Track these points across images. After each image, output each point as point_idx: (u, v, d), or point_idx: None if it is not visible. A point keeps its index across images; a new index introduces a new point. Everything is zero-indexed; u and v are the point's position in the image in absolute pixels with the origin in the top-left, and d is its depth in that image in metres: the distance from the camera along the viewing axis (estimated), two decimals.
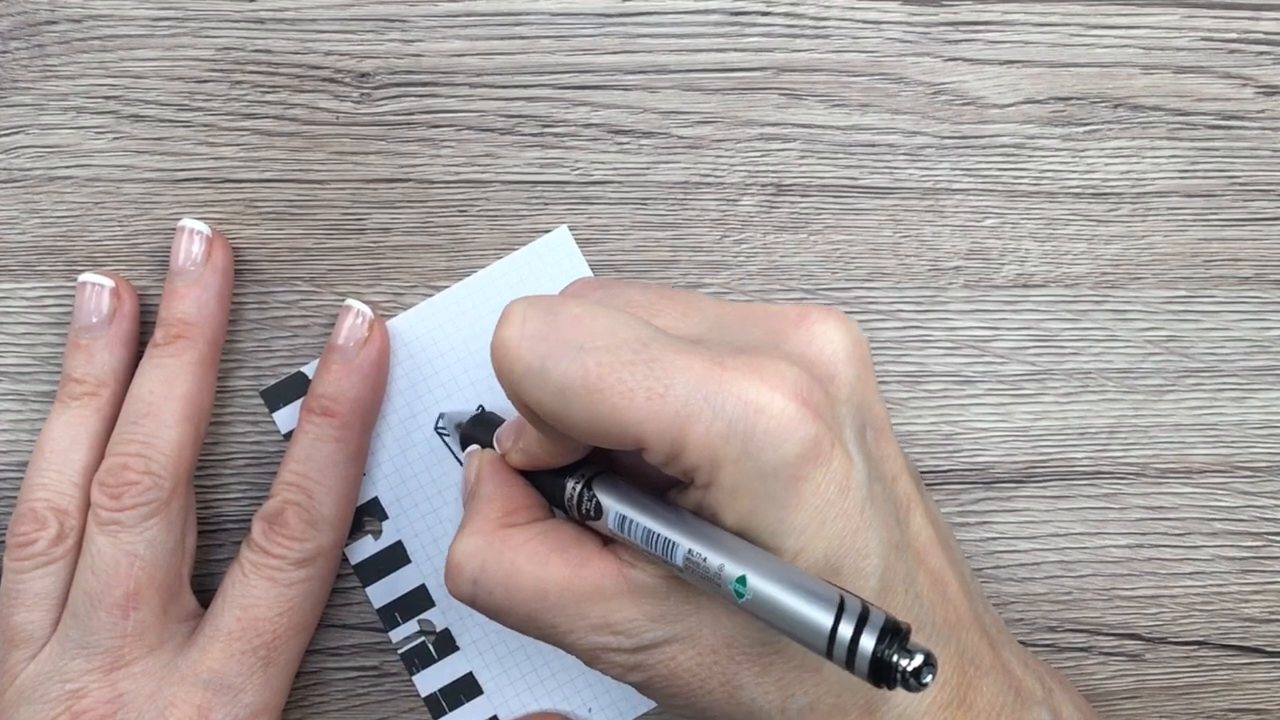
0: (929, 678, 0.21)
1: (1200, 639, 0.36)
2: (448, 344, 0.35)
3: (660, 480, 0.27)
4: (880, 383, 0.35)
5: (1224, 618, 0.36)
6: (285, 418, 0.34)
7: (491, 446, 0.31)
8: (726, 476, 0.24)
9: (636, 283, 0.31)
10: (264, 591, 0.31)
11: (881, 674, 0.21)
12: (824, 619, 0.22)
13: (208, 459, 0.34)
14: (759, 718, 0.26)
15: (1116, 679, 0.36)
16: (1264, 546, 0.36)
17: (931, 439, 0.36)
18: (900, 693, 0.26)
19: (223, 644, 0.31)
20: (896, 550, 0.26)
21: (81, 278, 0.33)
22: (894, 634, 0.21)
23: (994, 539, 0.36)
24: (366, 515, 0.35)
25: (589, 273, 0.35)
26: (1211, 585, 0.36)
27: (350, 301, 0.33)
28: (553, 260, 0.35)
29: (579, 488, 0.28)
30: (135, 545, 0.31)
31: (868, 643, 0.21)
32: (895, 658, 0.21)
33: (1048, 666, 0.31)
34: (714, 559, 0.24)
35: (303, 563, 0.32)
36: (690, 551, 0.24)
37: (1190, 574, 0.36)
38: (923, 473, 0.36)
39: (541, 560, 0.27)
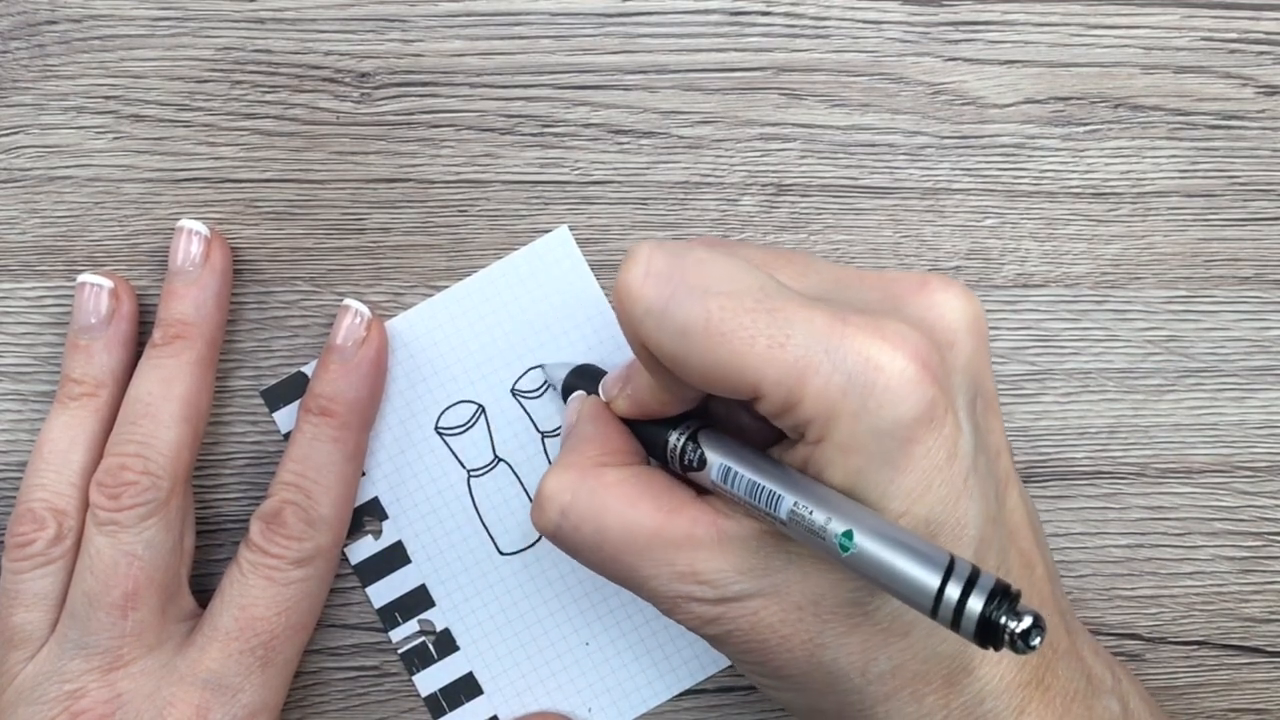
0: (1037, 640, 0.21)
1: (1200, 639, 0.36)
2: (447, 344, 0.35)
3: (761, 438, 0.27)
4: None
5: (1224, 618, 0.36)
6: (285, 418, 0.34)
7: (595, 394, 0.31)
8: (840, 432, 0.24)
9: (753, 242, 0.31)
10: (262, 591, 0.31)
11: (989, 635, 0.21)
12: (931, 578, 0.22)
13: (208, 459, 0.34)
14: (838, 679, 0.26)
15: None
16: (1264, 546, 0.36)
17: None
18: (983, 667, 0.26)
19: (221, 644, 0.31)
20: (993, 524, 0.26)
21: (80, 278, 0.33)
22: (1004, 596, 0.22)
23: None
24: (366, 515, 0.35)
25: (589, 273, 0.35)
26: (1211, 585, 0.36)
27: (348, 301, 0.33)
28: (553, 260, 0.35)
29: (683, 439, 0.28)
30: (134, 545, 0.31)
31: (976, 603, 0.21)
32: (1004, 619, 0.21)
33: (1114, 657, 0.31)
34: (820, 513, 0.24)
35: (301, 562, 0.32)
36: (796, 504, 0.24)
37: (1190, 574, 0.36)
38: None
39: (632, 502, 0.27)
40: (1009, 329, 0.36)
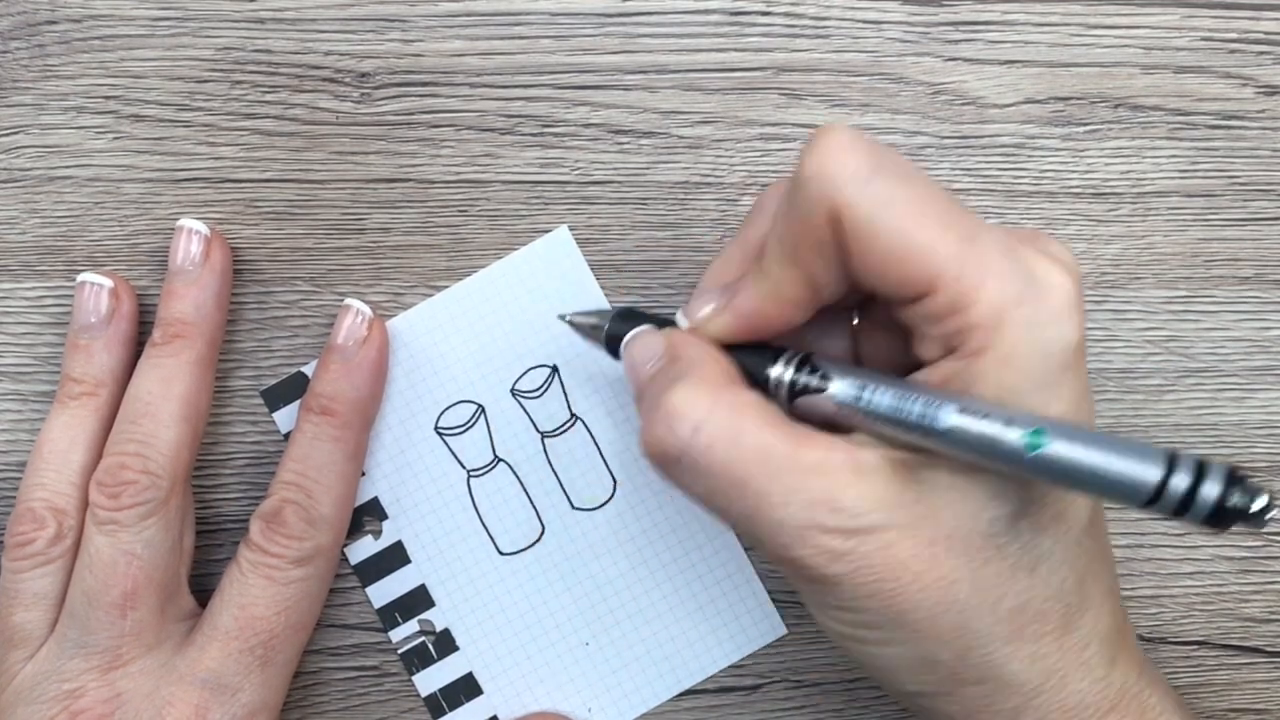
0: (1276, 511, 0.22)
1: (1200, 639, 0.36)
2: (447, 344, 0.35)
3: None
4: None
5: (1224, 618, 0.36)
6: (285, 417, 0.34)
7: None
8: (1005, 343, 0.24)
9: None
10: (262, 590, 0.31)
11: (1221, 517, 0.22)
12: (1152, 472, 0.22)
13: (208, 459, 0.34)
14: (968, 618, 0.25)
15: None
16: (1264, 547, 0.36)
17: None
18: (1089, 612, 0.26)
19: (221, 643, 0.31)
20: None
21: (80, 277, 0.33)
22: (1234, 480, 0.22)
23: None
24: (366, 515, 0.35)
25: (588, 273, 0.35)
26: (1211, 585, 0.36)
27: (350, 301, 0.33)
28: (552, 260, 0.35)
29: (796, 359, 0.26)
30: (133, 545, 0.31)
31: (1211, 489, 0.22)
32: (1238, 500, 0.22)
33: None
34: (998, 413, 0.23)
35: (301, 561, 0.32)
36: (964, 409, 0.23)
37: (1190, 574, 0.36)
38: None
39: (770, 423, 0.25)
40: None
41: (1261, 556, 0.36)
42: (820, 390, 0.25)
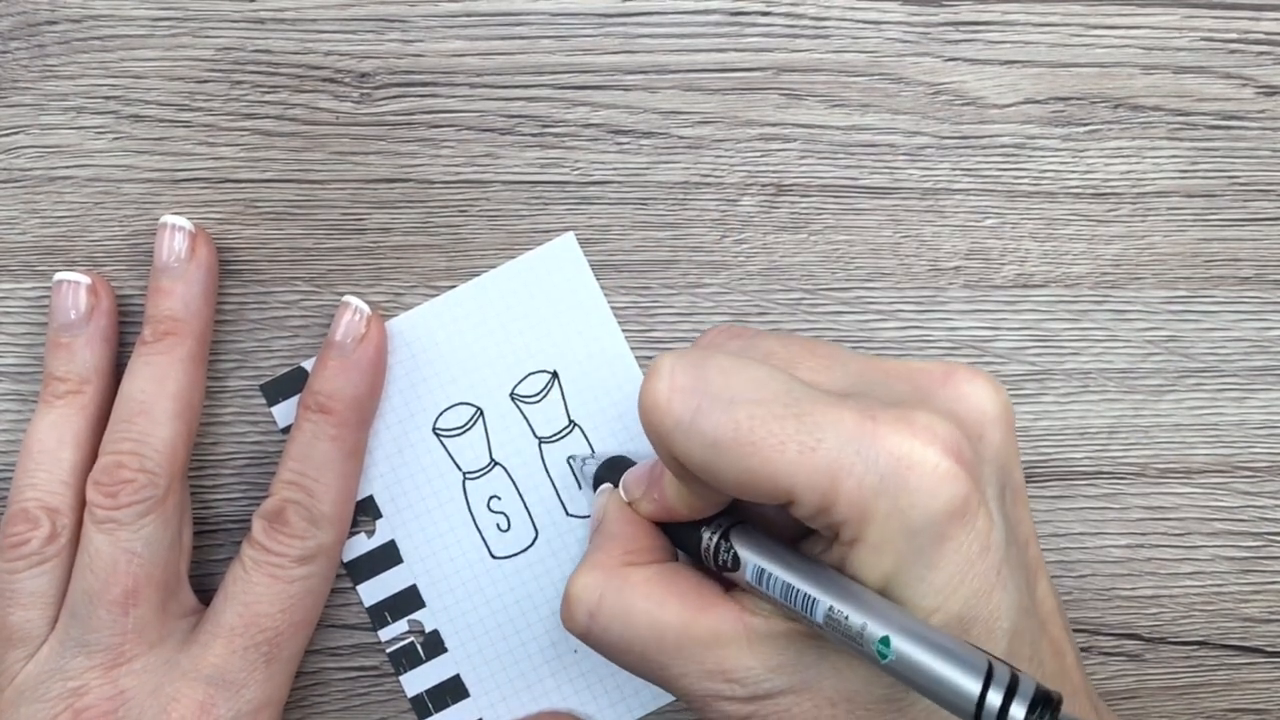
0: None
1: (1200, 639, 0.36)
2: (449, 345, 0.35)
3: (792, 532, 0.27)
4: None
5: (1224, 618, 0.36)
6: (283, 412, 0.34)
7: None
8: (874, 533, 0.24)
9: (774, 333, 0.31)
10: (266, 588, 0.31)
11: None
12: (972, 684, 0.22)
13: (208, 458, 0.34)
14: None
15: (1116, 679, 0.36)
16: (1264, 547, 0.36)
17: None
18: None
19: (225, 640, 0.31)
20: (1025, 614, 0.26)
21: (57, 276, 0.33)
22: (1045, 703, 0.21)
23: None
24: (360, 514, 0.35)
25: (593, 280, 0.35)
26: (1211, 585, 0.36)
27: (348, 298, 0.33)
28: (557, 266, 0.35)
29: (715, 538, 0.28)
30: (132, 543, 0.31)
31: (1018, 712, 0.21)
32: None
33: None
34: (856, 617, 0.24)
35: (304, 560, 0.32)
36: (832, 609, 0.24)
37: (1190, 574, 0.36)
38: None
39: (659, 601, 0.27)
40: (1009, 329, 0.36)
41: (1262, 557, 0.36)
42: (734, 569, 0.27)
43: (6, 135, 0.34)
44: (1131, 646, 0.36)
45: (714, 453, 0.24)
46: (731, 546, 0.27)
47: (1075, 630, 0.36)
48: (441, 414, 0.35)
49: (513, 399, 0.35)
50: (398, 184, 0.34)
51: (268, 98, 0.34)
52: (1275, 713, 0.37)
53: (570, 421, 0.35)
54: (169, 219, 0.33)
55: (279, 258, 0.34)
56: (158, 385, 0.32)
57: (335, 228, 0.34)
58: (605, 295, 0.35)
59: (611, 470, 0.32)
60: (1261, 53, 0.35)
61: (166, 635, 0.32)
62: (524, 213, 0.35)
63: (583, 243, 0.35)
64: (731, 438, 0.24)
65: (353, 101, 0.34)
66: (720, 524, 0.28)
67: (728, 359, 0.25)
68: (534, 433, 0.35)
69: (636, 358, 0.35)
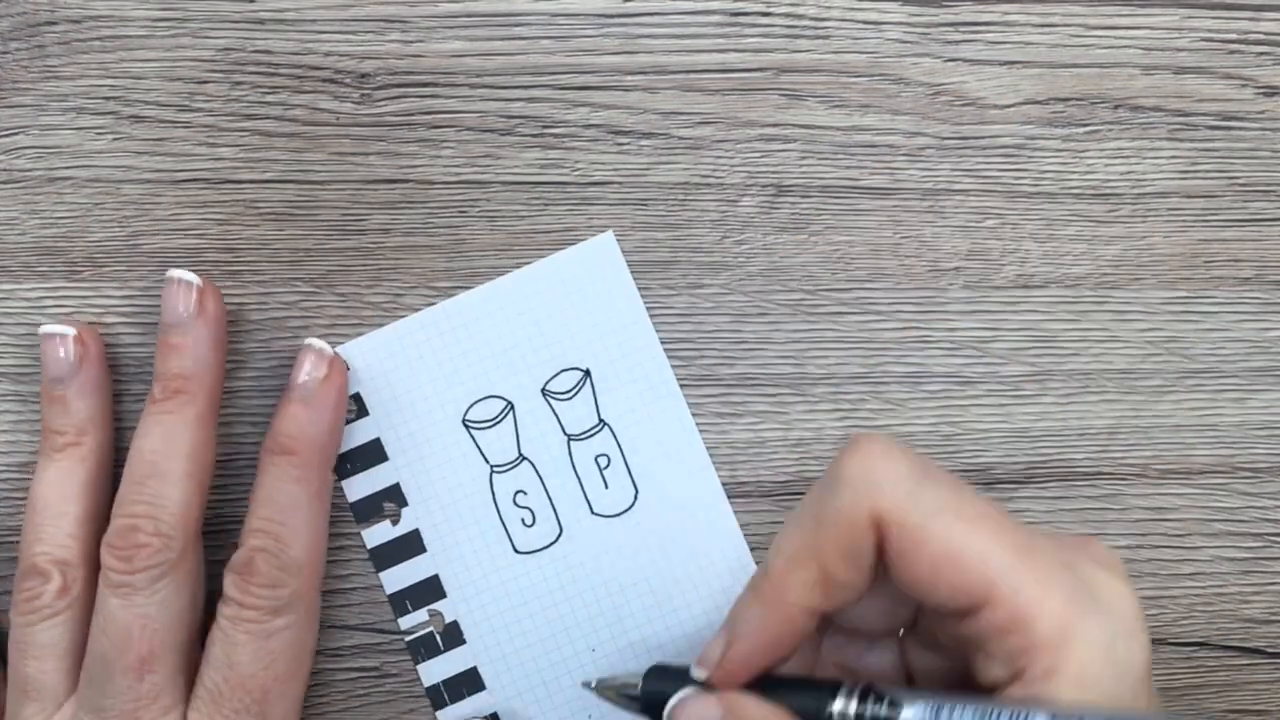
0: None
1: (1200, 640, 0.36)
2: (483, 337, 0.34)
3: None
4: (880, 384, 0.35)
5: (1224, 619, 0.36)
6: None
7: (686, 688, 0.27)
8: (1077, 661, 0.22)
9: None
10: (245, 647, 0.31)
11: None
12: None
13: None
14: None
15: None
16: (1264, 547, 0.36)
17: (931, 439, 0.36)
18: None
19: (214, 707, 0.31)
20: None
21: (42, 329, 0.33)
22: None
23: None
24: (387, 500, 0.35)
25: (630, 281, 0.35)
26: (1212, 586, 0.36)
27: (310, 341, 0.33)
28: (595, 265, 0.35)
29: (858, 690, 0.24)
30: (147, 607, 0.30)
31: None
32: None
33: None
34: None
35: (279, 610, 0.31)
36: (1055, 716, 0.21)
37: (1190, 575, 0.36)
38: None
39: None
40: (1009, 329, 0.36)
41: (1262, 557, 0.36)
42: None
43: (6, 135, 0.34)
44: None
45: (934, 519, 0.23)
46: (884, 693, 0.24)
47: None
48: (472, 406, 0.35)
49: (544, 395, 0.35)
50: (398, 184, 0.34)
51: (268, 98, 0.34)
52: (1275, 713, 0.37)
53: (600, 420, 0.35)
54: (176, 274, 0.33)
55: (279, 258, 0.34)
56: (169, 445, 0.31)
57: (335, 228, 0.34)
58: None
59: (664, 679, 0.28)
60: (1261, 53, 0.35)
61: (181, 700, 0.31)
62: (524, 213, 0.35)
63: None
64: (955, 507, 0.23)
65: (353, 102, 0.34)
66: (852, 683, 0.25)
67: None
68: (563, 430, 0.35)
69: None
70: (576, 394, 0.35)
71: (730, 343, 0.35)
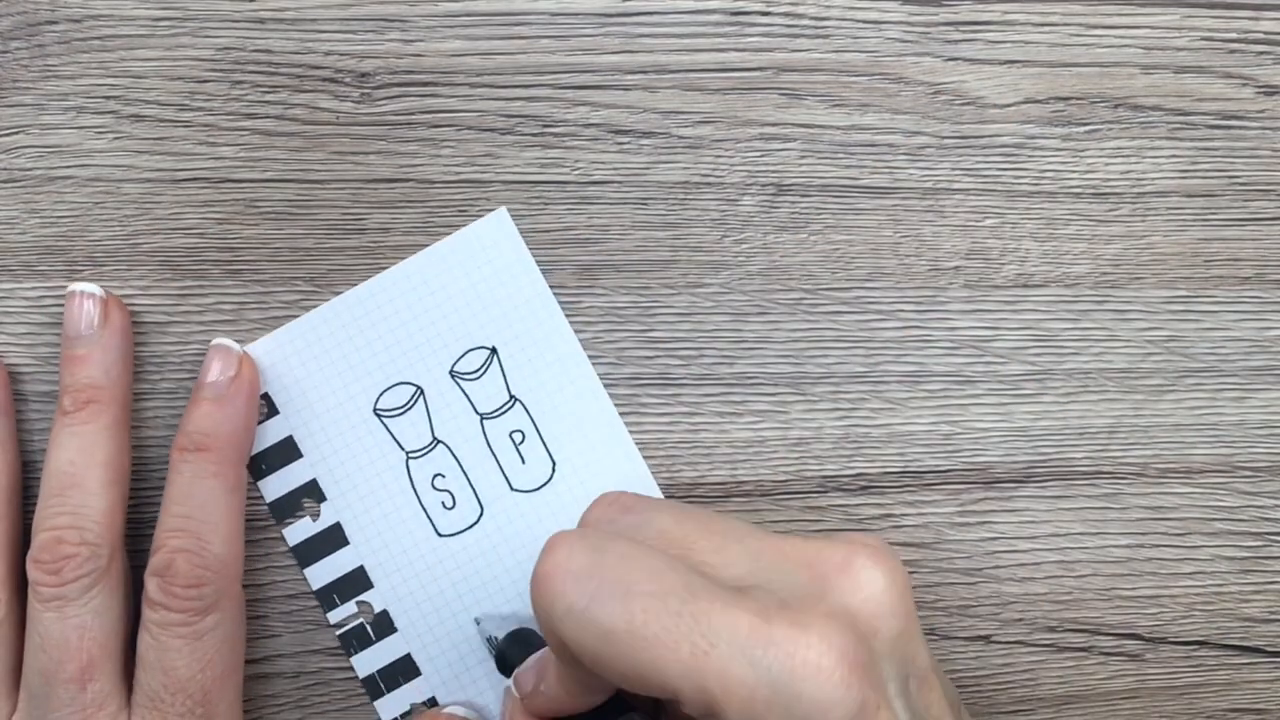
0: None
1: (1200, 639, 0.36)
2: (386, 325, 0.34)
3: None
4: (880, 383, 0.35)
5: (1224, 618, 0.36)
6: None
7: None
8: None
9: (667, 505, 0.29)
10: (178, 651, 0.31)
11: None
12: None
13: None
14: None
15: (1116, 679, 0.36)
16: (1264, 546, 0.36)
17: (931, 439, 0.36)
18: None
19: (158, 714, 0.31)
20: None
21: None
22: None
23: (994, 539, 0.36)
24: (305, 497, 0.34)
25: (528, 255, 0.34)
26: (1212, 585, 0.36)
27: (219, 340, 0.33)
28: (491, 243, 0.34)
29: None
30: (83, 616, 0.30)
31: None
32: None
33: None
34: None
35: (206, 610, 0.31)
36: None
37: (1190, 574, 0.36)
38: (922, 473, 0.36)
39: None
40: (1009, 329, 0.36)
41: (1262, 556, 0.36)
42: None
43: (6, 135, 0.34)
44: (1132, 646, 0.36)
45: (606, 644, 0.24)
46: None
47: (1076, 630, 0.36)
48: (381, 395, 0.35)
49: (452, 376, 0.35)
50: (398, 184, 0.34)
51: (268, 98, 0.34)
52: (1275, 713, 0.37)
53: (511, 396, 0.35)
54: (77, 286, 0.33)
55: (279, 258, 0.34)
56: (87, 455, 0.31)
57: (335, 228, 0.34)
58: (604, 296, 0.35)
59: (516, 645, 0.32)
60: (1261, 53, 0.35)
61: (125, 704, 0.31)
62: (524, 213, 0.35)
63: (583, 242, 0.35)
64: (625, 630, 0.24)
65: (353, 101, 0.34)
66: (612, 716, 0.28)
67: (627, 545, 0.25)
68: (475, 409, 0.35)
69: (635, 358, 0.35)
70: (485, 372, 0.35)
71: (730, 342, 0.35)
